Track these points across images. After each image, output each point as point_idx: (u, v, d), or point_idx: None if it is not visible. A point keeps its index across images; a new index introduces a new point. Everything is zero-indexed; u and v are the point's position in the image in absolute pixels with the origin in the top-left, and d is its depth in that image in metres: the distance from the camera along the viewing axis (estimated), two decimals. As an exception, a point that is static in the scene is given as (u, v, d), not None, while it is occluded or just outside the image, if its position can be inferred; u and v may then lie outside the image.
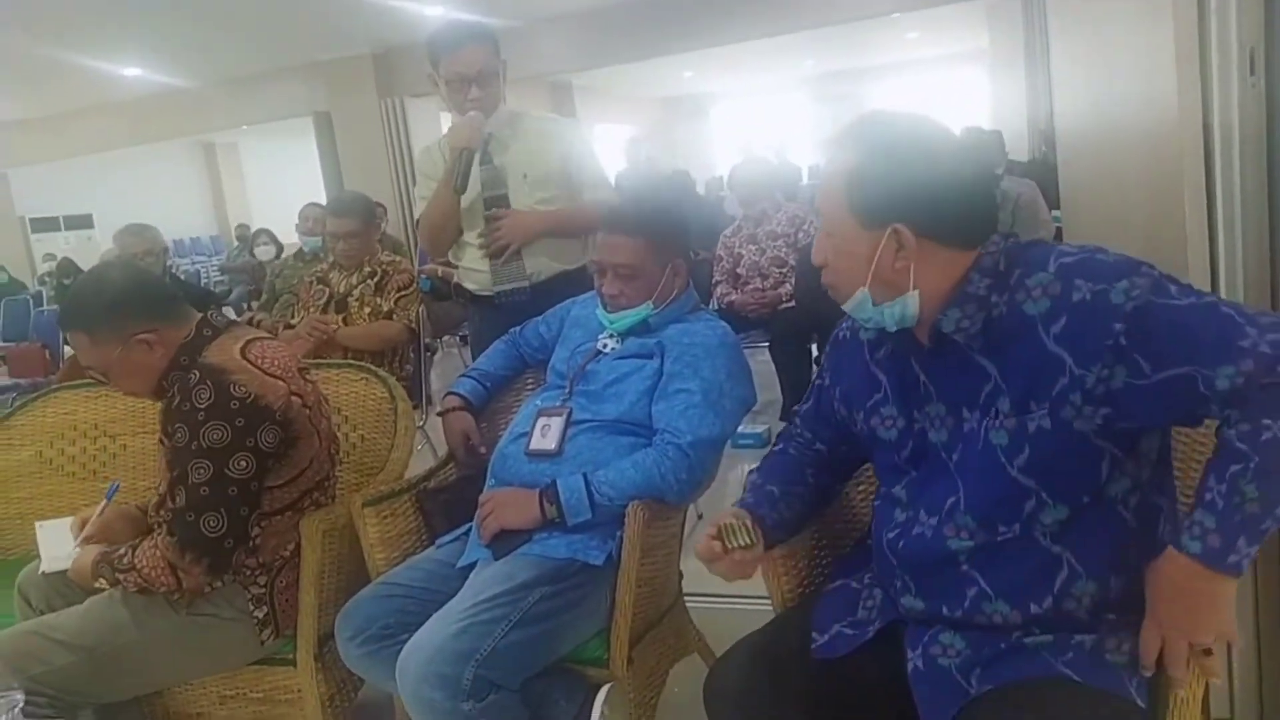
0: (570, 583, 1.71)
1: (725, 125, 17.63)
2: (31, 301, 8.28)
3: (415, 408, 3.47)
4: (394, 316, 3.46)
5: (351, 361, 2.58)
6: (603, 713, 1.65)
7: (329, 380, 2.23)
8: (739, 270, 4.64)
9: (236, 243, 12.06)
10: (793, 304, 4.32)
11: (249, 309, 7.81)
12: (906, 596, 1.30)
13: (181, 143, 14.61)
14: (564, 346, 2.05)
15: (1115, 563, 1.18)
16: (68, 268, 9.31)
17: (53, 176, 13.14)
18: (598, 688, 1.69)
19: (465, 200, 2.58)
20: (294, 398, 1.77)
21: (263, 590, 1.81)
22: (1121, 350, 1.08)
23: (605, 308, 1.95)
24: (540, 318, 2.22)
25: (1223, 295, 1.55)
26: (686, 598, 2.07)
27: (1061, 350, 1.12)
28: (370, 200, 3.81)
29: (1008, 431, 1.17)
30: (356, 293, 3.50)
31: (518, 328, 2.26)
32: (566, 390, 1.93)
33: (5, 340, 7.30)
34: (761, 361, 4.24)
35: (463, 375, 2.21)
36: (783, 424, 4.07)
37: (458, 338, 6.12)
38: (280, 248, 8.14)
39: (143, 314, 1.74)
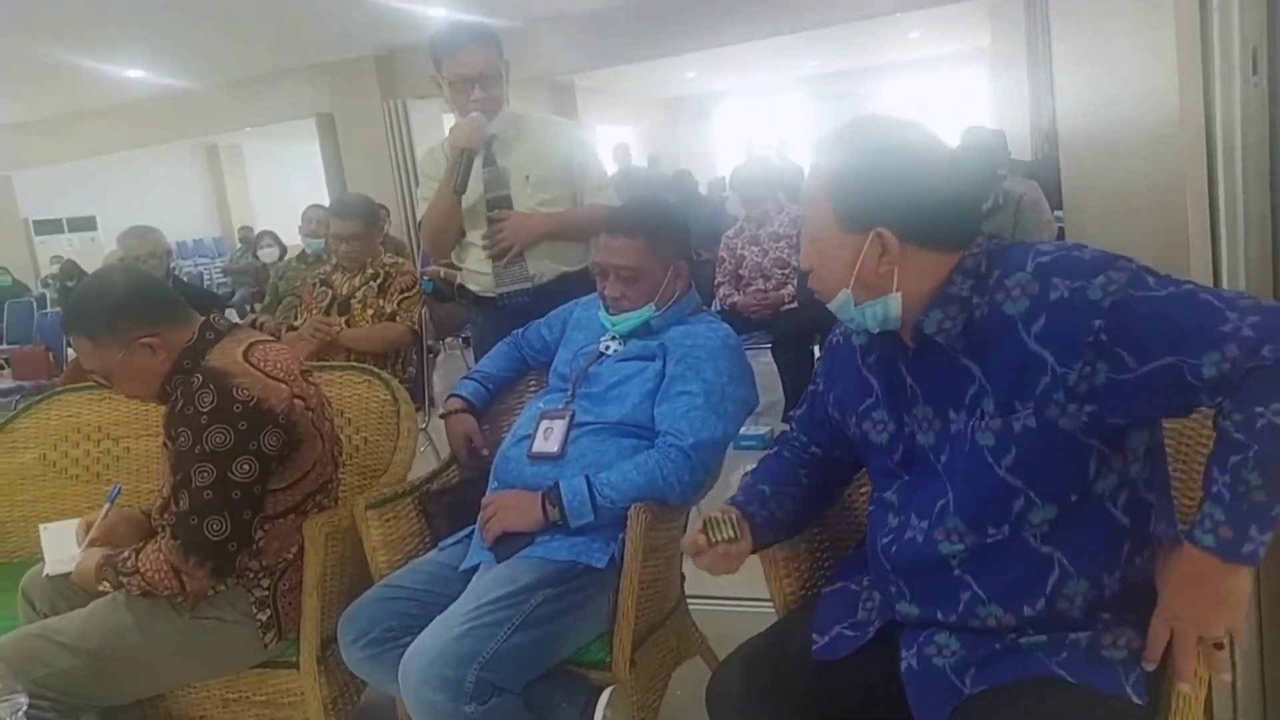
0: (573, 585, 1.71)
1: (728, 125, 17.60)
2: (35, 304, 8.29)
3: (418, 409, 3.47)
4: (397, 318, 3.47)
5: (354, 364, 2.58)
6: (605, 715, 1.64)
7: (332, 382, 2.23)
8: (741, 271, 4.63)
9: (239, 244, 12.08)
10: (795, 305, 4.32)
11: (252, 311, 7.81)
12: (902, 603, 1.30)
13: (184, 144, 14.62)
14: (566, 349, 2.05)
15: (1108, 561, 1.18)
16: (71, 270, 9.32)
17: (56, 179, 13.15)
18: (600, 690, 1.69)
19: (468, 202, 2.58)
20: (297, 400, 1.77)
21: (266, 593, 1.82)
22: (1102, 346, 1.09)
23: (607, 310, 1.95)
24: (542, 320, 2.22)
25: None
26: (689, 600, 2.07)
27: (1043, 349, 1.12)
28: (373, 202, 3.81)
29: (994, 432, 1.17)
30: (359, 294, 3.51)
31: (520, 330, 2.26)
32: (569, 393, 1.93)
33: (9, 343, 7.32)
34: (764, 363, 4.24)
35: (465, 377, 2.21)
36: (785, 425, 4.09)
37: (460, 339, 6.13)
38: (284, 249, 8.15)
39: (145, 318, 1.74)
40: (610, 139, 14.67)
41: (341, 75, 9.60)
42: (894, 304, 1.22)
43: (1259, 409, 1.02)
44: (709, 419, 1.79)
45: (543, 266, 2.56)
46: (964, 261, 1.21)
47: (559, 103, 12.75)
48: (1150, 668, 1.15)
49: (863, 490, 1.65)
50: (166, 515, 1.74)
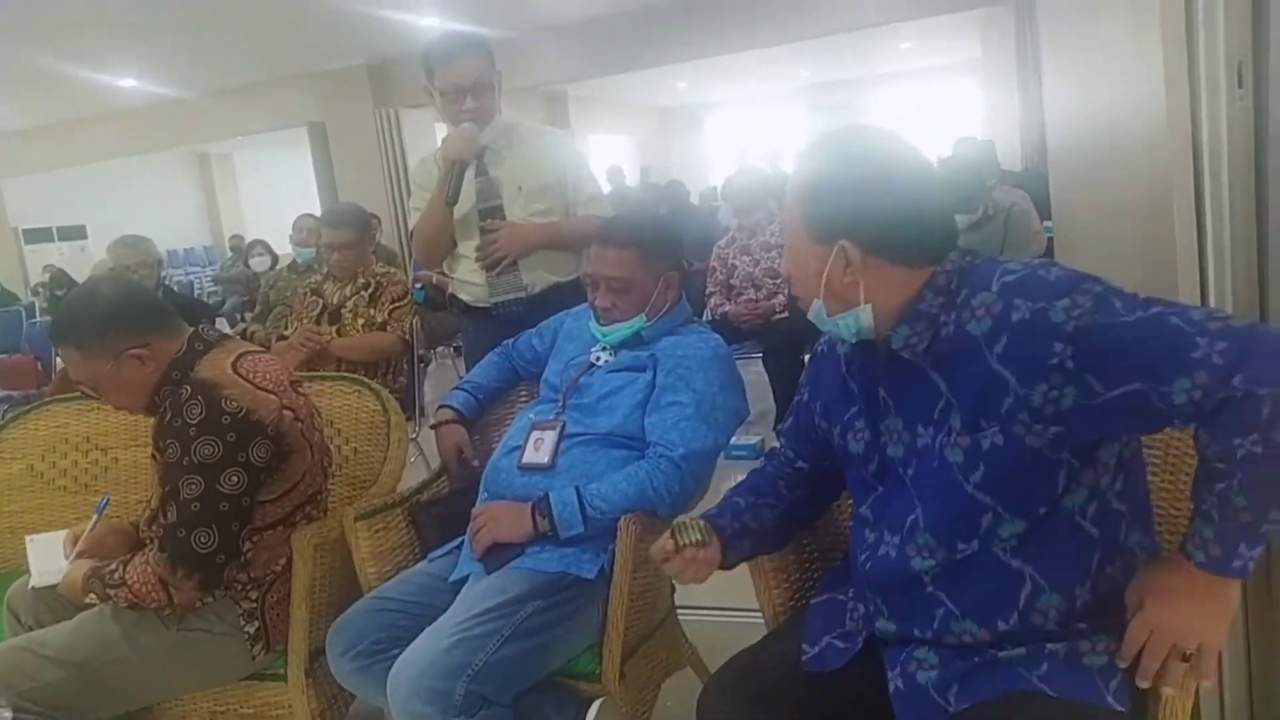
0: (562, 596, 1.70)
1: (720, 135, 17.66)
2: (24, 313, 8.24)
3: (408, 419, 3.47)
4: (388, 328, 3.46)
5: (344, 374, 2.58)
6: (595, 728, 1.64)
7: (321, 393, 2.22)
8: (733, 281, 4.64)
9: (230, 253, 12.05)
10: (786, 315, 4.33)
11: (243, 320, 7.78)
12: (880, 619, 1.31)
13: (176, 153, 14.61)
14: (557, 359, 2.05)
15: (1079, 574, 1.19)
16: (60, 279, 9.27)
17: (46, 187, 13.09)
18: (590, 702, 1.69)
19: (460, 212, 2.58)
20: (286, 412, 1.76)
21: (254, 605, 1.81)
22: (1069, 372, 1.08)
23: (598, 320, 1.96)
24: (533, 330, 2.22)
25: (1211, 303, 1.56)
26: (679, 611, 2.06)
27: (1005, 370, 1.12)
28: (364, 211, 3.81)
29: (962, 449, 1.17)
30: (350, 304, 3.50)
31: (511, 340, 2.26)
32: (560, 403, 1.93)
33: (-2, 352, 7.27)
34: (755, 372, 4.24)
35: (455, 388, 2.21)
36: (776, 435, 4.10)
37: (452, 348, 6.12)
38: (275, 258, 8.13)
39: (134, 328, 1.73)
40: (603, 149, 14.70)
41: (333, 84, 9.60)
42: (864, 315, 1.22)
43: (1236, 440, 1.03)
44: (699, 429, 1.79)
45: (536, 276, 2.57)
46: (935, 278, 1.20)
47: (552, 112, 12.78)
48: (1122, 664, 1.16)
49: (851, 501, 1.65)
50: (154, 527, 1.73)
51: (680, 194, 8.62)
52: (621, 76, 10.46)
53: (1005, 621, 1.19)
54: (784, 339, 4.24)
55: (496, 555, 1.76)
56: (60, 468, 2.46)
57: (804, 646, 1.37)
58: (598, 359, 1.95)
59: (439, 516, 2.01)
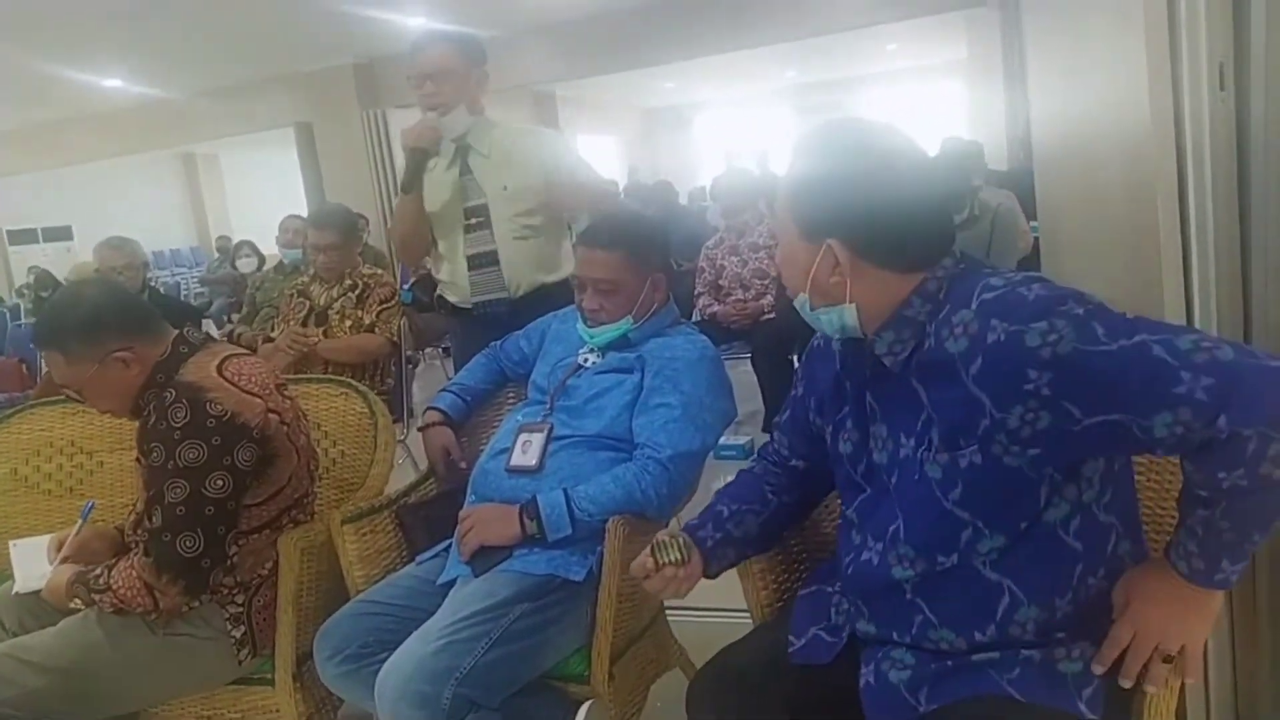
0: (551, 599, 1.70)
1: (708, 135, 17.68)
2: (8, 315, 8.19)
3: (396, 421, 3.45)
4: (376, 330, 3.45)
5: (331, 376, 2.57)
6: (584, 730, 1.64)
7: (308, 395, 2.21)
8: (721, 282, 4.65)
9: (217, 255, 11.99)
10: (774, 315, 4.34)
11: (230, 322, 7.75)
12: (860, 621, 1.31)
13: (162, 154, 14.51)
14: (544, 361, 2.05)
15: (1059, 586, 1.17)
16: (45, 280, 9.19)
17: (31, 188, 13.00)
18: (579, 704, 1.68)
19: (445, 211, 2.58)
20: (271, 415, 1.75)
21: (240, 609, 1.80)
22: (1045, 399, 1.05)
23: (585, 322, 1.95)
24: (520, 332, 2.21)
25: (1196, 304, 1.57)
26: (668, 611, 2.06)
27: (980, 392, 1.09)
28: (351, 212, 3.80)
29: (941, 466, 1.16)
30: (337, 305, 3.49)
31: (498, 341, 2.26)
32: (547, 406, 1.92)
33: (-19, 354, 7.22)
34: (743, 372, 4.25)
35: (443, 390, 2.20)
36: (765, 435, 4.09)
37: (440, 349, 6.11)
38: (262, 260, 8.10)
39: (118, 332, 1.72)
40: (591, 149, 14.67)
41: (320, 85, 9.56)
42: (849, 314, 1.20)
43: (1221, 474, 1.03)
44: (687, 431, 1.79)
45: (519, 276, 2.56)
46: (925, 284, 1.17)
47: (540, 113, 12.76)
48: (1099, 670, 1.16)
49: (839, 500, 1.65)
50: (139, 531, 1.72)
51: (668, 194, 8.63)
52: (609, 77, 10.46)
53: (982, 632, 1.19)
54: (772, 339, 4.25)
55: (484, 558, 1.75)
56: (45, 471, 2.44)
57: (790, 638, 1.38)
58: (585, 361, 1.95)
59: (426, 519, 2.00)
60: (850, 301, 1.19)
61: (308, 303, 3.53)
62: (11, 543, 1.99)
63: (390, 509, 2.00)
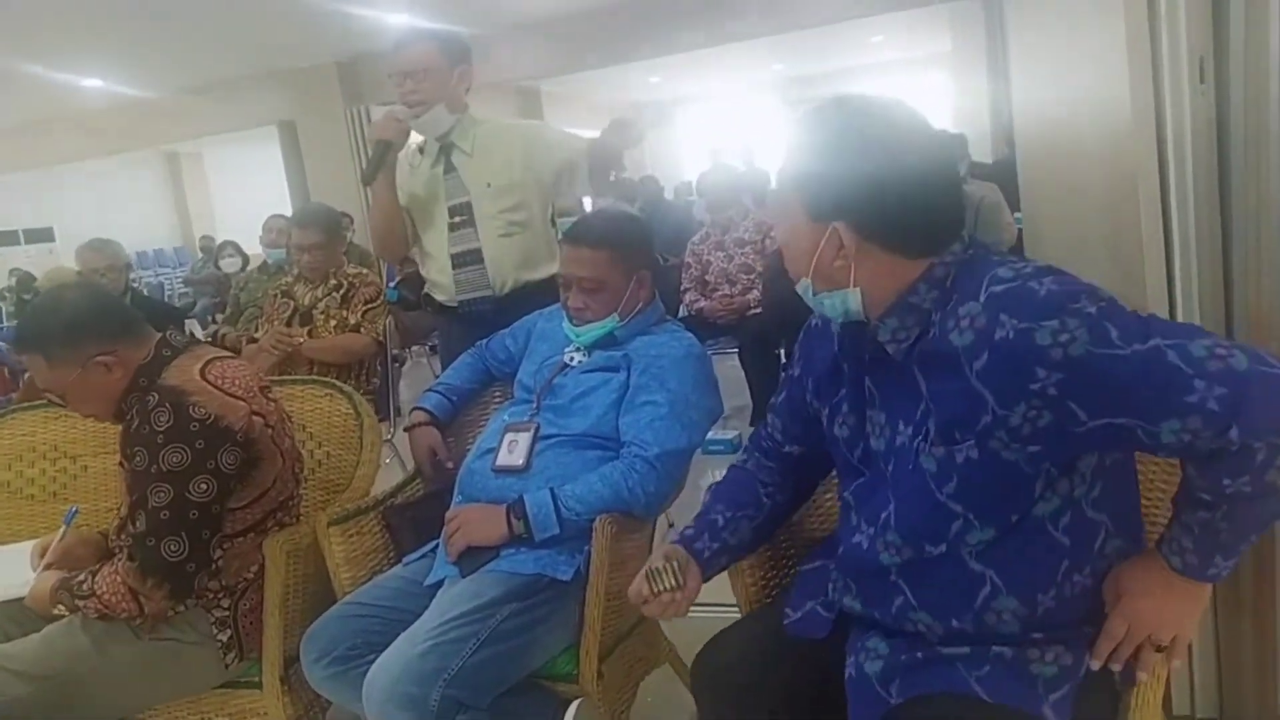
0: (538, 599, 1.70)
1: (693, 130, 17.67)
2: (-10, 318, 8.12)
3: (383, 420, 3.45)
4: (361, 329, 3.43)
5: (316, 377, 2.55)
6: (573, 729, 1.64)
7: (293, 397, 2.20)
8: (707, 277, 4.65)
9: (201, 254, 11.92)
10: (761, 310, 4.34)
11: (214, 322, 7.71)
12: (848, 597, 1.31)
13: (144, 153, 14.41)
14: (530, 360, 2.04)
15: (1042, 581, 1.16)
16: (27, 282, 9.14)
17: (11, 189, 12.90)
18: (568, 703, 1.68)
19: (428, 209, 2.57)
20: (255, 418, 1.74)
21: (226, 613, 1.79)
22: (1051, 398, 1.03)
23: (571, 321, 1.95)
24: (506, 331, 2.20)
25: (1178, 294, 1.58)
26: (657, 609, 2.06)
27: (983, 388, 1.07)
28: (335, 212, 3.78)
29: (936, 459, 1.14)
30: (322, 305, 3.47)
31: (484, 341, 2.25)
32: (534, 405, 1.92)
33: (-37, 358, 7.15)
34: (731, 367, 4.26)
35: (428, 389, 2.19)
36: (753, 430, 4.09)
37: (427, 347, 6.09)
38: (246, 259, 8.06)
39: (101, 335, 1.71)
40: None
41: (303, 82, 9.52)
42: (853, 299, 1.17)
43: (1226, 481, 1.03)
44: (674, 429, 1.78)
45: (504, 274, 2.55)
46: (933, 270, 1.14)
47: (525, 108, 12.73)
48: (1096, 666, 1.16)
49: (828, 495, 1.65)
50: (123, 536, 1.71)
51: (654, 189, 8.62)
52: (594, 72, 10.45)
53: (959, 619, 1.19)
54: (759, 334, 4.25)
55: (471, 559, 1.75)
56: (28, 476, 2.42)
57: (787, 610, 1.38)
58: (571, 359, 1.94)
59: (413, 520, 2.00)
60: (855, 286, 1.16)
61: (292, 303, 3.52)
62: (-6, 549, 1.97)
63: (377, 510, 1.99)
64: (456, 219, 2.55)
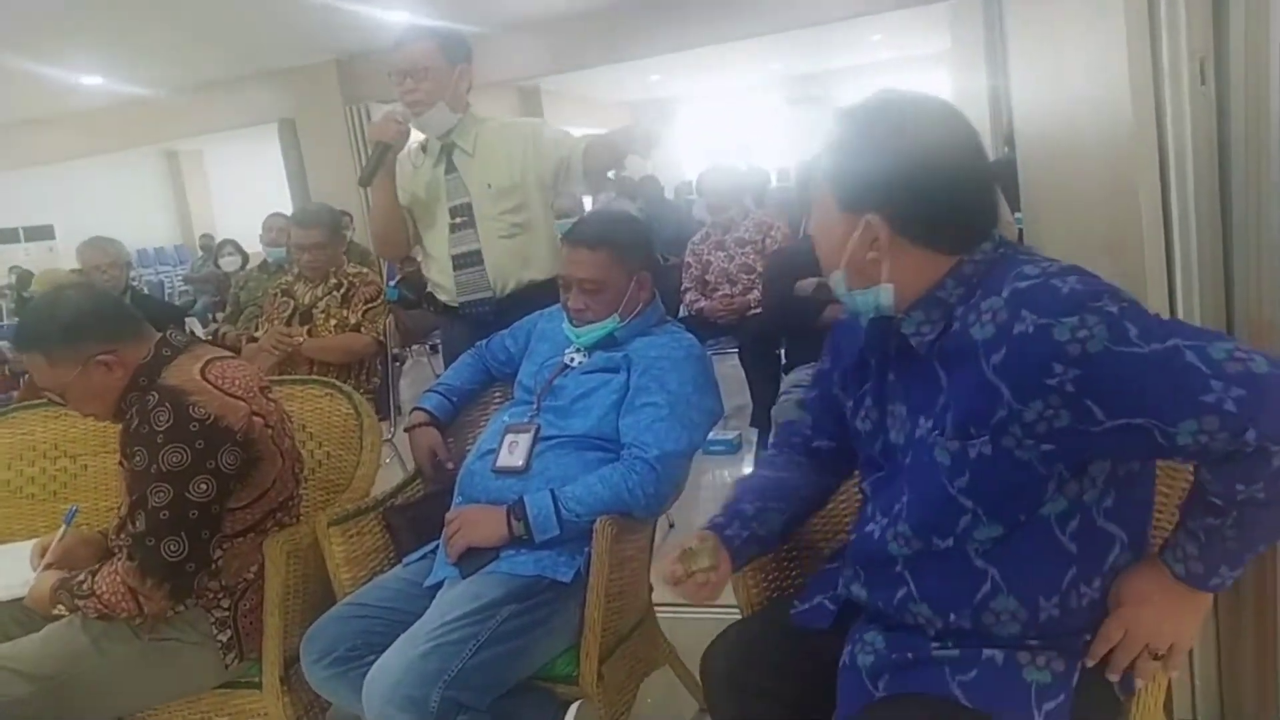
0: (538, 600, 1.70)
1: (693, 128, 17.65)
2: (-10, 316, 8.12)
3: (383, 420, 3.45)
4: (362, 329, 3.43)
5: (316, 377, 2.55)
6: (573, 730, 1.64)
7: (293, 396, 2.20)
8: (707, 277, 4.64)
9: (200, 253, 11.92)
10: (761, 310, 4.33)
11: (214, 320, 7.71)
12: (856, 585, 1.31)
13: (144, 151, 14.40)
14: (531, 361, 2.04)
15: (1044, 585, 1.15)
16: (27, 280, 9.14)
17: (12, 187, 12.89)
18: (568, 705, 1.68)
19: (430, 209, 2.56)
20: (255, 418, 1.74)
21: (226, 614, 1.79)
22: (1068, 395, 1.02)
23: (571, 322, 1.95)
24: (506, 331, 2.20)
25: (1179, 295, 1.58)
26: (656, 608, 2.06)
27: (999, 382, 1.06)
28: (336, 211, 3.78)
29: (950, 454, 1.14)
30: (322, 304, 3.47)
31: (484, 341, 2.25)
32: (534, 406, 1.92)
33: (-37, 356, 7.15)
34: (731, 367, 4.25)
35: (429, 390, 2.19)
36: (754, 430, 4.10)
37: (427, 346, 6.09)
38: (246, 258, 8.06)
39: (101, 334, 1.71)
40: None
41: (303, 80, 9.51)
42: (885, 294, 1.17)
43: (1239, 486, 1.02)
44: (674, 430, 1.78)
45: (505, 276, 2.54)
46: (962, 265, 1.14)
47: (526, 107, 12.73)
48: (1090, 664, 1.16)
49: (841, 499, 1.64)
50: (123, 536, 1.71)
51: (654, 189, 8.62)
52: (594, 71, 10.45)
53: (957, 614, 1.19)
54: (759, 334, 4.24)
55: (471, 560, 1.75)
56: (28, 475, 2.42)
57: (795, 602, 1.39)
58: (571, 360, 1.94)
59: (413, 521, 1.99)
60: (886, 281, 1.16)
61: (292, 302, 3.51)
62: (-6, 549, 1.97)
63: (377, 511, 1.99)
64: (457, 220, 2.54)
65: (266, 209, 5.44)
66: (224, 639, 1.79)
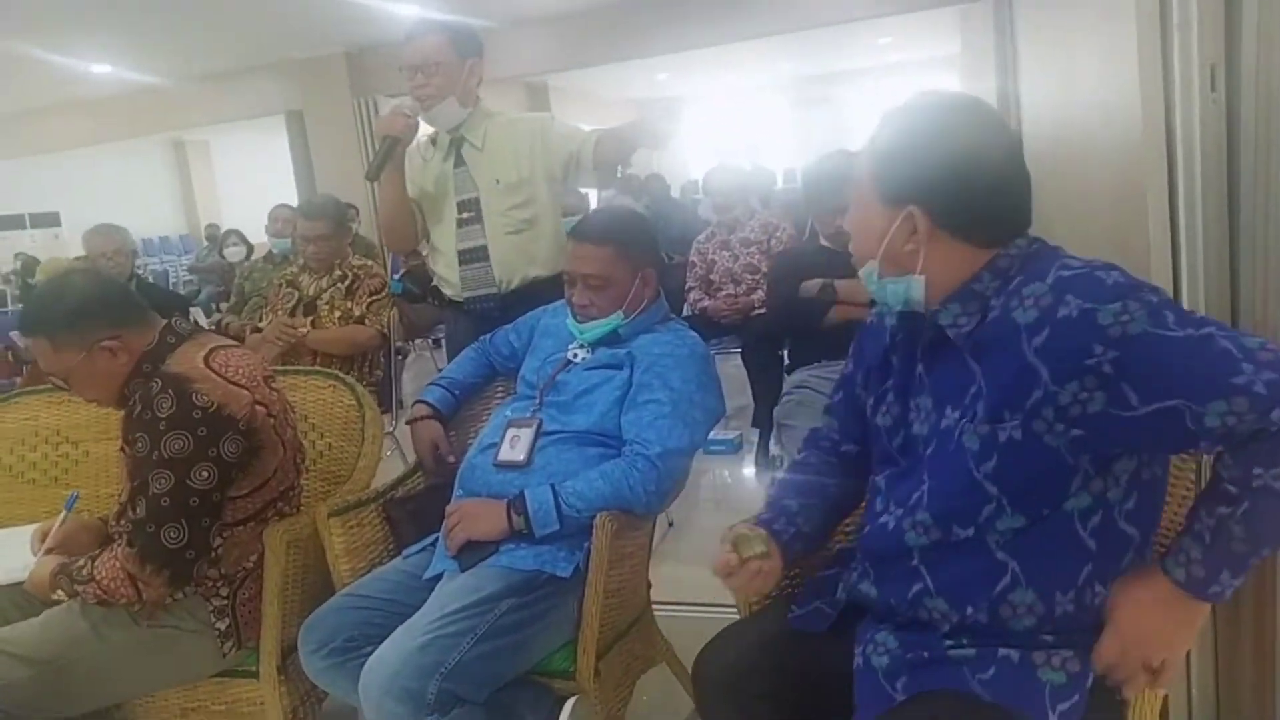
0: (537, 594, 1.70)
1: (700, 128, 17.63)
2: (-4, 301, 8.13)
3: (385, 413, 3.45)
4: (365, 321, 3.43)
5: (319, 368, 2.55)
6: (569, 726, 1.64)
7: (296, 387, 2.20)
8: (712, 276, 4.64)
9: (206, 243, 11.93)
10: (765, 310, 4.33)
11: (218, 310, 7.72)
12: (865, 582, 1.31)
13: (151, 140, 14.41)
14: (534, 356, 2.04)
15: (1062, 580, 1.17)
16: (32, 266, 9.15)
17: (18, 174, 12.91)
18: (564, 700, 1.68)
19: (437, 204, 2.56)
20: (258, 407, 1.74)
21: (225, 602, 1.79)
22: (1105, 377, 1.05)
23: (575, 318, 1.95)
24: (510, 326, 2.20)
25: (1184, 302, 1.58)
26: (654, 606, 2.06)
27: (1039, 363, 1.09)
28: (342, 203, 3.78)
29: (979, 437, 1.16)
30: (326, 296, 3.47)
31: (487, 335, 2.25)
32: (536, 401, 1.92)
33: (-32, 341, 7.16)
34: (734, 367, 4.26)
35: (431, 383, 2.19)
36: (755, 430, 4.10)
37: (430, 340, 6.09)
38: (250, 249, 8.06)
39: (105, 320, 1.71)
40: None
41: (311, 72, 9.51)
42: (917, 285, 1.20)
43: (1257, 470, 1.03)
44: (676, 427, 1.78)
45: (510, 271, 2.54)
46: (997, 260, 1.18)
47: (533, 103, 12.72)
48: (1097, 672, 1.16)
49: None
50: (123, 522, 1.71)
51: (660, 188, 8.62)
52: (602, 68, 10.44)
53: (975, 607, 1.19)
54: (763, 334, 4.24)
55: (471, 553, 1.75)
56: (29, 460, 2.43)
57: (793, 607, 1.39)
58: (575, 356, 1.94)
59: (414, 513, 1.99)
60: (920, 272, 1.19)
61: (296, 293, 3.52)
62: (-5, 533, 1.98)
63: (377, 502, 1.99)
64: (464, 215, 2.54)
65: (272, 200, 5.45)
66: (222, 627, 1.79)
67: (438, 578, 1.78)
